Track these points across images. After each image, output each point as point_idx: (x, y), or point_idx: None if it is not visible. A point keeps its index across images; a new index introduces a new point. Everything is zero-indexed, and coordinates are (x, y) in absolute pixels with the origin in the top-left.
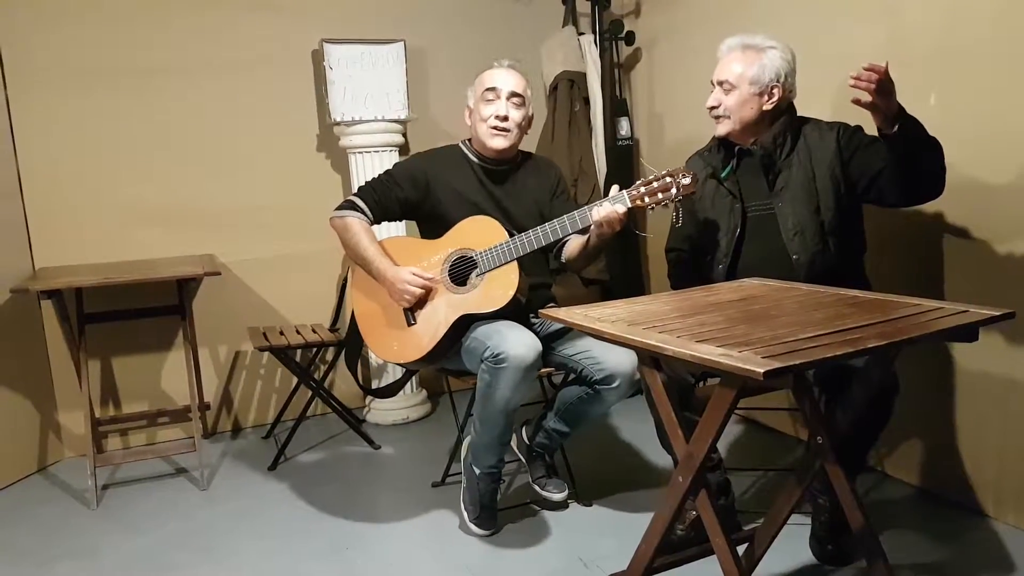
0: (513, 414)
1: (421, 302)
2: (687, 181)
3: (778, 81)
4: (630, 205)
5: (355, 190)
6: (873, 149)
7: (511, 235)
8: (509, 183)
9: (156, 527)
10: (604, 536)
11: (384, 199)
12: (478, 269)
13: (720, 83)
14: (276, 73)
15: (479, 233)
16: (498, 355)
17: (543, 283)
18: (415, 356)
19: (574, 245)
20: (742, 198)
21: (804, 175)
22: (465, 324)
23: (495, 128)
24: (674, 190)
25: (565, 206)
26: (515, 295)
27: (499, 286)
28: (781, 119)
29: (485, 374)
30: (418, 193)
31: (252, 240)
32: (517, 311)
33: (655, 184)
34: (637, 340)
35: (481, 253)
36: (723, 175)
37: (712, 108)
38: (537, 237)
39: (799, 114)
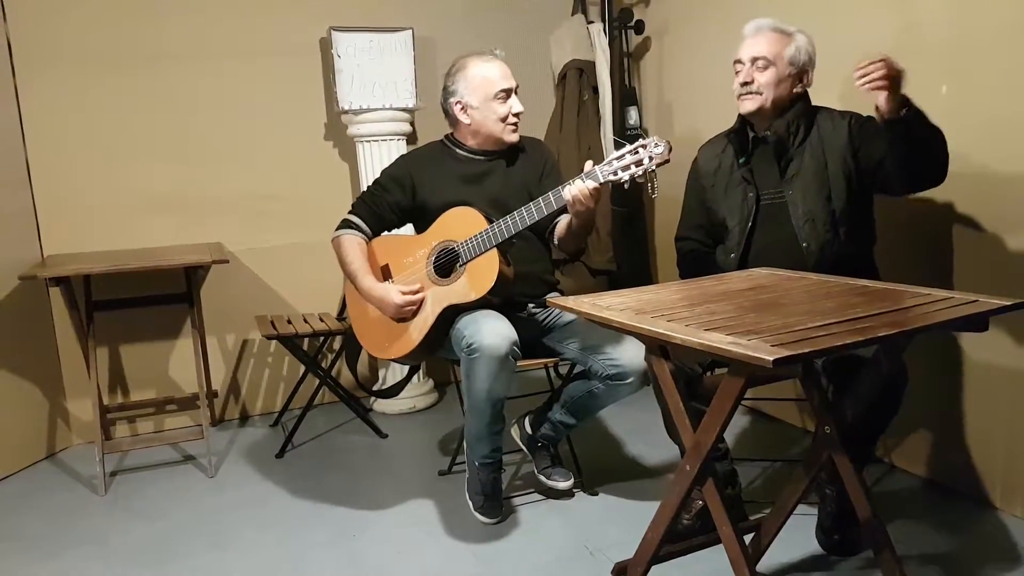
0: (499, 403)
1: None
2: (660, 149)
3: (810, 66)
4: (603, 181)
5: (364, 185)
6: (882, 137)
7: (491, 222)
8: (496, 171)
9: (164, 514)
10: (610, 525)
11: (377, 207)
12: (460, 259)
13: (754, 60)
14: (284, 61)
15: (460, 224)
16: (471, 345)
17: (543, 270)
18: (406, 351)
19: (562, 225)
20: (756, 185)
21: (816, 163)
22: (452, 315)
23: (514, 125)
24: (647, 160)
25: (554, 186)
26: (496, 282)
27: (481, 274)
28: (795, 106)
29: (464, 365)
30: (406, 195)
31: (260, 229)
32: (504, 298)
33: (627, 158)
34: (645, 328)
35: (462, 243)
36: (741, 160)
37: (745, 84)
38: (515, 222)
39: (812, 104)
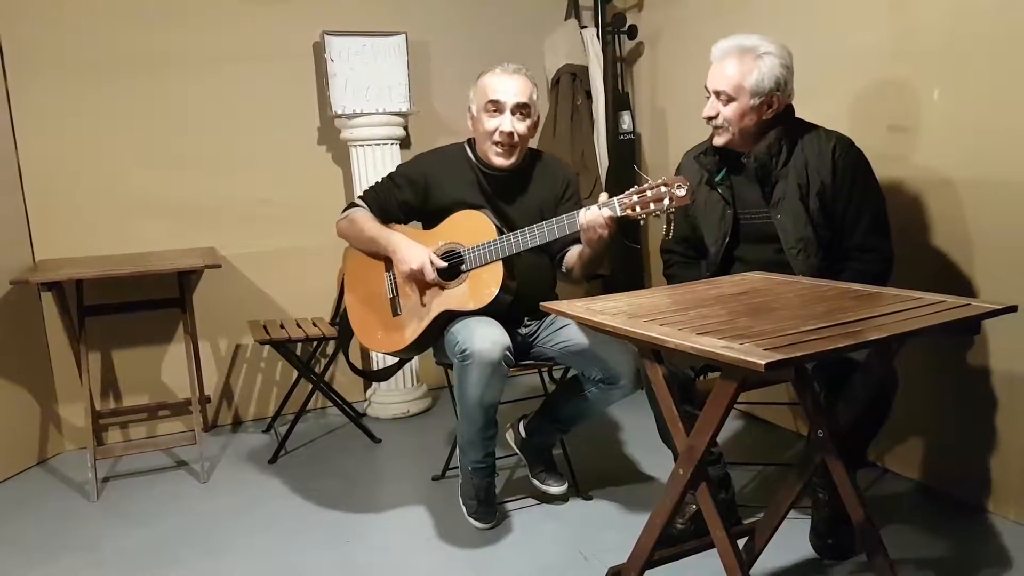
0: (492, 409)
1: (407, 293)
2: (681, 192)
3: (778, 89)
4: (620, 213)
5: (357, 192)
6: (851, 214)
7: (501, 233)
8: (513, 187)
9: (156, 520)
10: (604, 529)
11: (385, 201)
12: (465, 265)
13: (716, 93)
14: (277, 65)
15: (469, 229)
16: (464, 351)
17: (546, 288)
18: (397, 347)
19: (574, 253)
20: (734, 205)
21: (801, 186)
22: (448, 318)
23: (499, 144)
24: (667, 201)
25: (571, 211)
26: (498, 295)
27: (483, 285)
28: (777, 127)
29: (456, 370)
30: (417, 196)
31: (253, 233)
32: (502, 311)
33: (648, 193)
34: (638, 333)
35: (469, 250)
36: (717, 179)
37: (710, 119)
38: (525, 239)
39: (800, 115)
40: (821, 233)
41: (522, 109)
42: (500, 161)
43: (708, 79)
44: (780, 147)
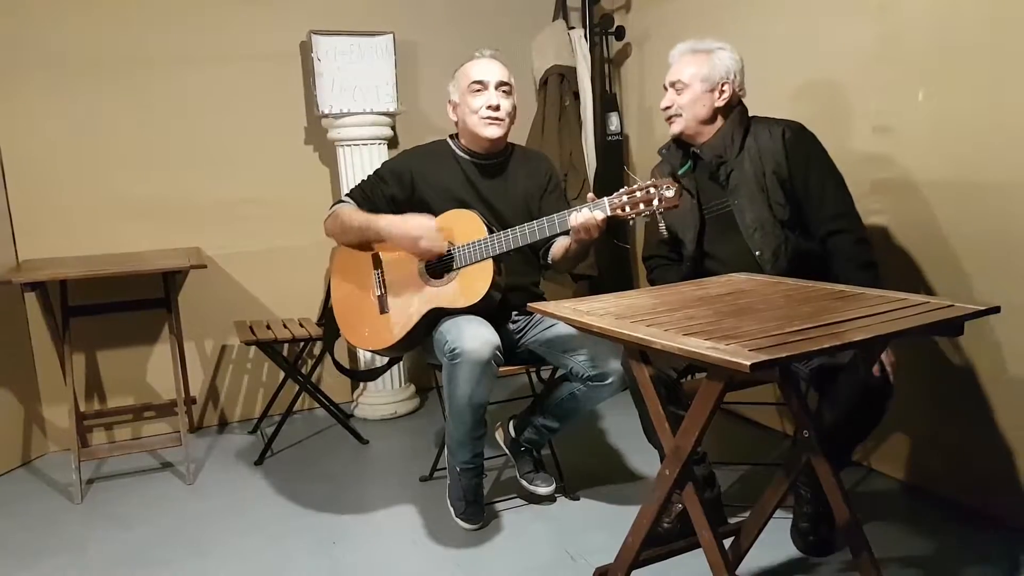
0: (481, 409)
1: (396, 291)
2: (670, 193)
3: (728, 79)
4: (610, 213)
5: (344, 192)
6: (813, 185)
7: (491, 231)
8: (498, 178)
9: (142, 522)
10: (591, 530)
11: (373, 197)
12: (454, 263)
13: (672, 84)
14: (264, 65)
15: (459, 227)
16: (453, 350)
17: (531, 283)
18: (384, 344)
19: (559, 246)
20: (699, 197)
21: (755, 170)
22: (436, 316)
23: (488, 118)
24: (656, 202)
25: (556, 204)
26: (488, 293)
27: (473, 283)
28: (729, 118)
29: (445, 370)
30: (404, 190)
31: (239, 233)
32: (491, 309)
33: (637, 194)
34: (625, 333)
35: (459, 248)
36: (681, 172)
37: (666, 108)
38: (515, 237)
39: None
40: (778, 212)
41: (504, 86)
42: (492, 132)
43: (666, 77)
44: (732, 136)
